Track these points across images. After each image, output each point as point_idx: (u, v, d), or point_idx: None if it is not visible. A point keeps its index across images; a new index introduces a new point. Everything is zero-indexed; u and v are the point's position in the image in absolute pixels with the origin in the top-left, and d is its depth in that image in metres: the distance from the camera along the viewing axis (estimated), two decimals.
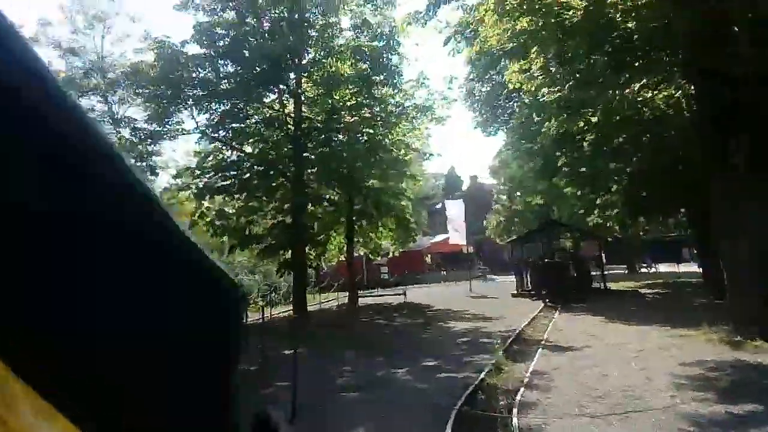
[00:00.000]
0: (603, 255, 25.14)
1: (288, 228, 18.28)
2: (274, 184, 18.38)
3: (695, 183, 17.57)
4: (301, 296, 18.30)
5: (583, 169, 19.70)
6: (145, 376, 0.49)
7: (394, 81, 17.83)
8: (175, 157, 27.23)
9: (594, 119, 13.06)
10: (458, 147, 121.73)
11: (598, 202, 25.92)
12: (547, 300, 19.48)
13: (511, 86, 18.72)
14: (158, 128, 16.73)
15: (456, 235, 30.79)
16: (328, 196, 19.51)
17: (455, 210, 31.72)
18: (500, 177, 29.92)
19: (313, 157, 17.93)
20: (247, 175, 18.04)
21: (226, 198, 19.22)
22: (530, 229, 39.97)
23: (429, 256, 50.73)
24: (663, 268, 35.79)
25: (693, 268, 33.34)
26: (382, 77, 17.44)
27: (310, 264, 20.31)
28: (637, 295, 22.32)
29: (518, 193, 28.63)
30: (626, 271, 35.09)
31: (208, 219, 18.31)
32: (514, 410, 6.01)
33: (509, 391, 7.56)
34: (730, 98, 8.45)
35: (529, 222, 41.25)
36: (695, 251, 31.18)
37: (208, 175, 17.49)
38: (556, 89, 11.50)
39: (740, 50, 8.07)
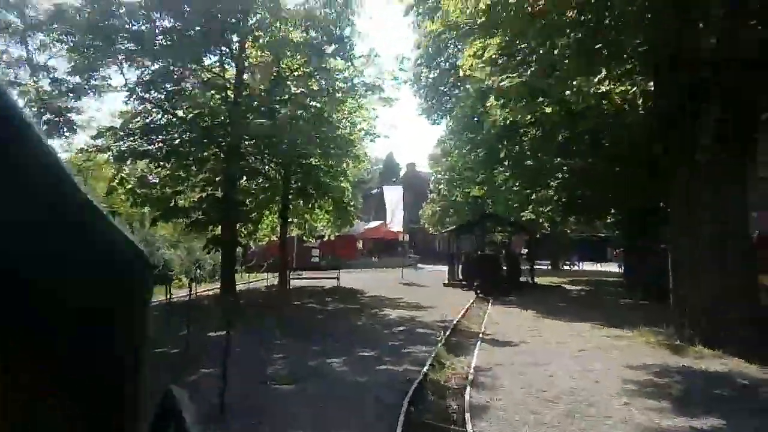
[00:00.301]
0: (532, 250, 25.48)
1: (218, 202, 16.98)
2: (206, 153, 16.99)
3: (632, 183, 18.04)
4: (229, 275, 17.10)
5: (529, 163, 19.61)
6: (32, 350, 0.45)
7: (347, 53, 16.80)
8: (99, 117, 24.77)
9: (548, 110, 12.74)
10: (399, 133, 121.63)
11: (533, 197, 26.30)
12: (479, 291, 19.38)
13: (462, 72, 18.33)
14: (82, 82, 14.76)
15: (394, 221, 30.32)
16: (265, 170, 18.30)
17: (394, 196, 31.24)
18: (440, 166, 29.63)
19: (251, 127, 16.71)
20: (177, 141, 16.53)
21: (151, 165, 17.61)
22: (465, 221, 40.68)
23: (361, 241, 50.17)
24: (586, 266, 37.20)
25: (612, 267, 34.97)
26: (333, 48, 16.39)
27: (240, 242, 19.09)
28: (563, 291, 22.76)
29: (456, 184, 28.40)
30: (549, 267, 36.18)
31: (128, 186, 16.67)
32: (467, 415, 5.44)
33: (454, 389, 7.04)
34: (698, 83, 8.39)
35: (464, 214, 41.74)
36: (616, 252, 32.55)
37: (132, 138, 15.79)
38: (513, 76, 11.03)
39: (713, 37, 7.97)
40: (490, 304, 16.85)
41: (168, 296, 16.57)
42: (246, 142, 17.27)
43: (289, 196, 21.64)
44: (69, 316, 0.48)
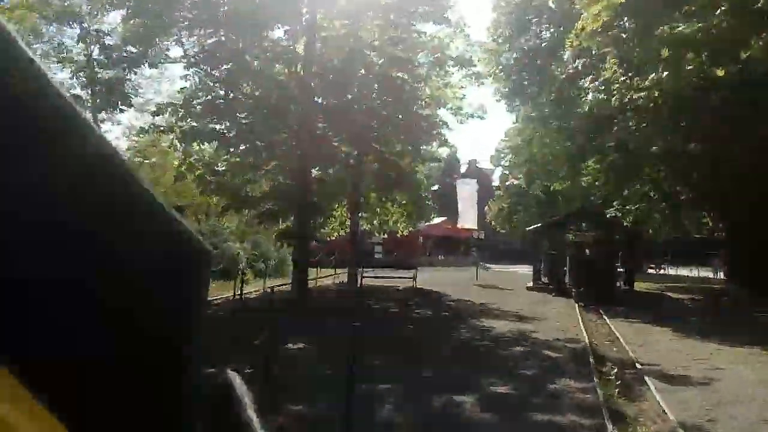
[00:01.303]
0: (634, 253, 22.14)
1: (291, 191, 14.81)
2: (275, 138, 14.85)
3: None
4: (302, 273, 14.87)
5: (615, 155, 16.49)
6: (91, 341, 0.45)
7: (440, 15, 14.03)
8: (152, 95, 23.00)
9: (720, 73, 9.76)
10: (461, 127, 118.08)
11: (624, 192, 23.03)
12: (579, 299, 16.45)
13: (571, 44, 15.52)
14: (137, 52, 12.78)
15: (466, 218, 27.50)
16: (342, 155, 15.98)
17: (468, 191, 28.46)
18: (516, 158, 26.47)
19: (323, 105, 14.42)
20: (245, 122, 14.45)
21: (219, 151, 15.65)
22: (535, 218, 37.46)
23: (420, 239, 47.54)
24: (673, 270, 33.18)
25: (706, 272, 30.91)
26: (426, 8, 13.74)
27: (315, 236, 16.92)
28: (671, 300, 19.47)
29: (535, 177, 25.27)
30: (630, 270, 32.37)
31: (197, 173, 14.72)
32: None
33: None
34: None
35: (535, 211, 38.54)
36: (721, 253, 28.45)
37: (195, 117, 13.78)
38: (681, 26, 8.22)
39: None
40: (604, 316, 13.92)
41: (238, 293, 14.53)
42: (319, 124, 15.03)
43: (362, 187, 19.36)
44: (126, 308, 0.47)
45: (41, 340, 0.41)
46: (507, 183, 38.79)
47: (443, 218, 44.19)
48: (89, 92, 13.01)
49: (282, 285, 20.38)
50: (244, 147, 14.84)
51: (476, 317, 13.04)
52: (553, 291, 19.76)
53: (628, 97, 14.93)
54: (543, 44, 23.49)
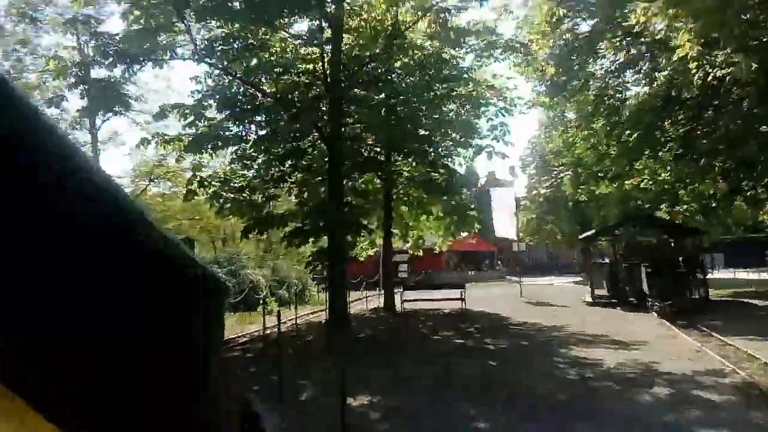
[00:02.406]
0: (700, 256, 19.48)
1: (323, 205, 12.45)
2: (300, 144, 12.57)
3: None
4: (340, 299, 12.39)
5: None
6: (110, 372, 0.46)
7: None
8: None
9: None
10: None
11: (682, 191, 20.56)
12: (662, 313, 13.85)
13: (636, 20, 13.26)
14: (139, 46, 10.44)
15: (505, 228, 24.96)
16: (380, 160, 13.58)
17: (503, 199, 26.00)
18: (558, 160, 23.97)
19: (355, 102, 12.13)
20: (265, 125, 12.17)
21: (234, 165, 13.36)
22: (567, 227, 35.00)
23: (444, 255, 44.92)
24: (727, 273, 30.36)
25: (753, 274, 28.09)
26: None
27: (354, 255, 14.55)
28: (754, 307, 16.78)
29: (581, 180, 22.73)
30: None
31: (211, 190, 12.41)
32: None
33: None
34: None
35: (564, 221, 36.00)
36: None
37: (207, 121, 11.46)
38: None
39: None
40: (714, 333, 11.30)
41: (269, 326, 11.98)
42: (350, 126, 12.73)
43: (392, 200, 17.01)
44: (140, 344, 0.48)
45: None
46: (534, 192, 36.43)
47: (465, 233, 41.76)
48: (81, 93, 10.74)
49: (310, 314, 17.94)
50: (264, 157, 12.55)
51: (562, 345, 10.48)
52: (619, 305, 17.24)
53: (713, 74, 12.61)
54: (580, 37, 21.31)
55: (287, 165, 12.79)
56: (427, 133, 12.10)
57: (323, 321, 15.26)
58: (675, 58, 13.37)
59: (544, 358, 9.26)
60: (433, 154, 13.16)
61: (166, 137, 11.23)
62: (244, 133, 11.33)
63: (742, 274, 28.51)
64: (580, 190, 22.94)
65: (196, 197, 12.35)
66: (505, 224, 25.72)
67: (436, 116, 12.44)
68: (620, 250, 19.54)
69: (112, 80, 10.66)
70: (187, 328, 0.53)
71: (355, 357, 9.39)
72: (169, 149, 11.10)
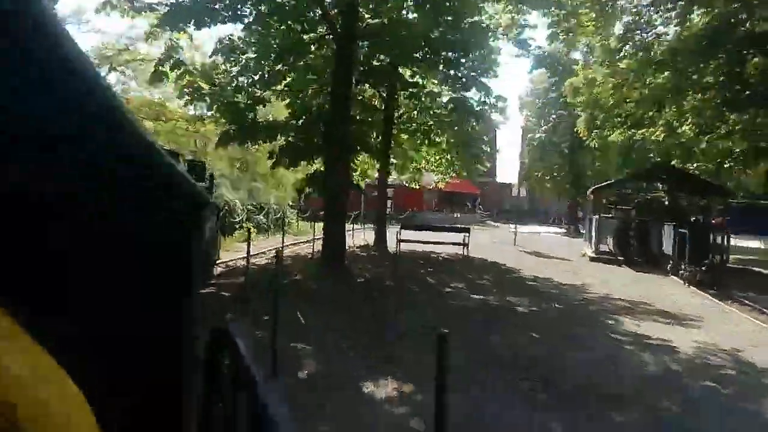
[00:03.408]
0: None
1: (327, 117, 9.93)
2: (305, 37, 9.85)
3: None
4: (338, 235, 10.09)
5: None
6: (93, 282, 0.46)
7: None
8: None
9: None
10: None
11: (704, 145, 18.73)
12: (692, 279, 12.22)
13: None
14: None
15: (507, 171, 22.70)
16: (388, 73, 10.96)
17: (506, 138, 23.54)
18: (580, 98, 21.41)
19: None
20: (262, 10, 9.34)
21: (216, 55, 10.51)
22: (560, 174, 33.12)
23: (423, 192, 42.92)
24: (742, 240, 29.11)
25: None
26: None
27: (356, 184, 12.20)
28: None
29: (601, 124, 20.49)
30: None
31: (187, 78, 9.66)
32: None
33: None
34: None
35: (557, 167, 34.08)
36: None
37: None
38: None
39: None
40: (753, 307, 9.67)
41: (247, 260, 9.57)
42: (367, 22, 10.01)
43: (393, 123, 14.55)
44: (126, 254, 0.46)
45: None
46: (529, 135, 34.21)
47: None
48: None
49: (292, 244, 15.75)
50: (256, 48, 9.80)
51: (603, 314, 8.64)
52: (625, 263, 15.71)
53: None
54: None
55: (283, 63, 10.06)
56: (463, 39, 9.49)
57: (310, 255, 13.12)
58: None
59: (595, 332, 7.36)
60: (466, 67, 10.54)
61: (135, 3, 8.31)
62: (238, 7, 8.40)
63: (744, 242, 27.46)
64: (594, 134, 20.79)
65: (164, 81, 9.60)
66: (509, 168, 23.46)
67: (475, 19, 9.79)
68: (631, 204, 17.77)
69: None
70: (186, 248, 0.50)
71: (361, 315, 7.30)
72: (139, 19, 8.26)
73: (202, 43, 17.11)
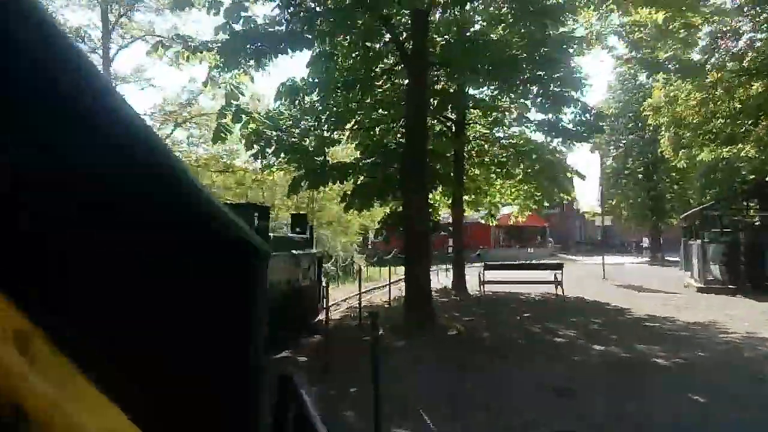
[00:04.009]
0: None
1: (397, 154, 8.97)
2: (376, 66, 9.04)
3: None
4: (423, 277, 8.83)
5: None
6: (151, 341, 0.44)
7: None
8: None
9: None
10: None
11: None
12: None
13: None
14: None
15: (587, 197, 20.81)
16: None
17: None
18: (662, 118, 19.48)
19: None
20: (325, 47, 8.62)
21: (279, 100, 9.85)
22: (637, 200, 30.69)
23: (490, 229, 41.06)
24: None
25: None
26: None
27: (437, 222, 11.13)
28: None
29: (687, 142, 18.46)
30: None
31: (251, 126, 9.02)
32: None
33: None
34: None
35: (632, 194, 31.69)
36: None
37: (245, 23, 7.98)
38: None
39: None
40: None
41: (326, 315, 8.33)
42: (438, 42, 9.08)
43: (465, 157, 13.43)
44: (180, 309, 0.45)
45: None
46: (604, 160, 32.02)
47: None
48: None
49: (366, 291, 14.64)
50: (323, 86, 9.06)
51: (762, 361, 6.88)
52: (738, 292, 13.62)
53: None
54: None
55: (351, 100, 9.26)
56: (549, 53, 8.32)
57: (386, 303, 11.98)
58: None
59: None
60: (555, 84, 9.28)
61: (189, 43, 7.74)
62: (304, 28, 7.54)
63: None
64: (681, 155, 18.78)
65: (227, 137, 8.97)
66: (587, 194, 21.67)
67: (559, 31, 8.66)
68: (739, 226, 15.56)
69: None
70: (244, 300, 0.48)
71: (473, 378, 6.03)
72: (194, 61, 7.71)
73: (262, 96, 16.87)
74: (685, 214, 17.49)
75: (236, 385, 0.48)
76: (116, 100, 0.41)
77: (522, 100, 9.85)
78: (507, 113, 12.40)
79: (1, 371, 0.33)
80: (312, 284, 6.46)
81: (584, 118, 9.37)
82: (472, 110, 12.66)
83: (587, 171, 31.32)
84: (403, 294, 14.03)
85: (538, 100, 8.98)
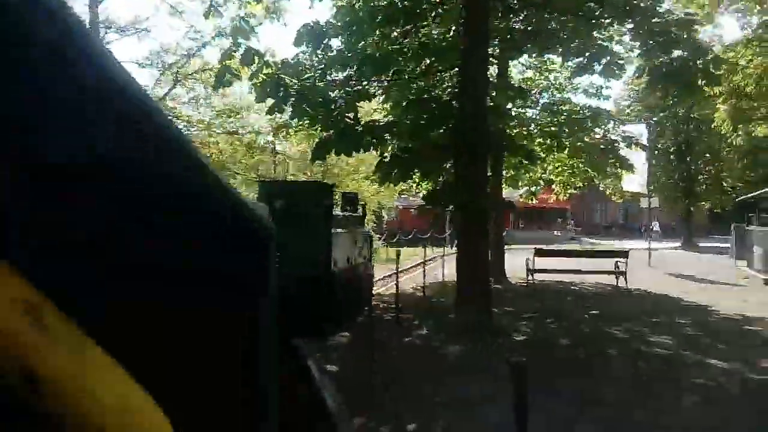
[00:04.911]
0: None
1: (449, 108, 7.05)
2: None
3: None
4: (480, 265, 6.89)
5: None
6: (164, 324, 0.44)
7: None
8: None
9: None
10: None
11: None
12: None
13: None
14: None
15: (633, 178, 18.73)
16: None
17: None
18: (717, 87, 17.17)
19: None
20: None
21: (300, 45, 7.89)
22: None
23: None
24: None
25: None
26: None
27: (505, 200, 9.22)
28: None
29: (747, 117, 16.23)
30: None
31: (266, 71, 7.12)
32: None
33: None
34: None
35: (664, 171, 29.55)
36: None
37: None
38: None
39: None
40: None
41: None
42: None
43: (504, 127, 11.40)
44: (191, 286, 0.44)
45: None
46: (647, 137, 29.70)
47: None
48: None
49: (389, 276, 12.81)
50: (353, 27, 7.12)
51: None
52: None
53: None
54: None
55: (389, 41, 7.32)
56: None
57: (420, 291, 10.20)
58: None
59: None
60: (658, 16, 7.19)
61: None
62: None
63: None
64: (738, 131, 16.62)
65: (234, 82, 7.10)
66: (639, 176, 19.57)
67: None
68: None
69: None
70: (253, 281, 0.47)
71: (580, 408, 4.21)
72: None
73: (274, 49, 14.85)
74: (742, 197, 15.40)
75: (245, 364, 0.46)
76: (123, 75, 0.39)
77: (608, 43, 7.80)
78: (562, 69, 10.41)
79: (13, 339, 0.33)
80: (367, 264, 5.70)
81: (699, 65, 7.28)
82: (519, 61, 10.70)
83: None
84: (437, 279, 12.34)
85: (636, 42, 6.94)
